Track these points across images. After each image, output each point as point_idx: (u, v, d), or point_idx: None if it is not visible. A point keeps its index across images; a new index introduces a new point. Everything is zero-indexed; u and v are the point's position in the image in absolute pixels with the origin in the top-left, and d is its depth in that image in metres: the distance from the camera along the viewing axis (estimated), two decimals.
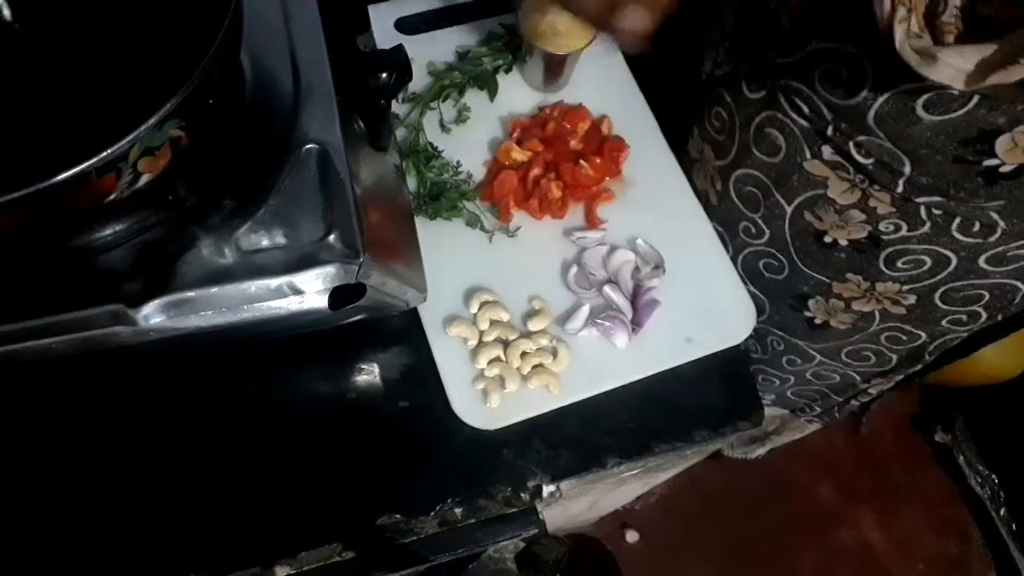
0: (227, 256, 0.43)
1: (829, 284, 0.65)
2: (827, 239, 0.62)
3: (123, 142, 0.33)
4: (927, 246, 0.56)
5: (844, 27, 0.49)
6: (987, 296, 0.60)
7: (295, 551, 0.54)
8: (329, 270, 0.44)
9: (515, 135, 0.69)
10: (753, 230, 0.68)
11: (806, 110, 0.55)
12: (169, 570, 0.54)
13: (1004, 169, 0.48)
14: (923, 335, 0.67)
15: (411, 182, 0.66)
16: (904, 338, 0.69)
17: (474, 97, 0.72)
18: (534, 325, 0.61)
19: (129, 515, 0.55)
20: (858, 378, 0.79)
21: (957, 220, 0.53)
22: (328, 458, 0.57)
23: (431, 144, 0.68)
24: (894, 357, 0.73)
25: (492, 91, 0.72)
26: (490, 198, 0.66)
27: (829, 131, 0.54)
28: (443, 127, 0.70)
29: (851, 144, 0.53)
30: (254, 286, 0.43)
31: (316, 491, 0.56)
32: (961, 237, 0.54)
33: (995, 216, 0.52)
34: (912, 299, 0.62)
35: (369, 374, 0.60)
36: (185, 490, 0.56)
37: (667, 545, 1.42)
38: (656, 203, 0.68)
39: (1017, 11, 0.40)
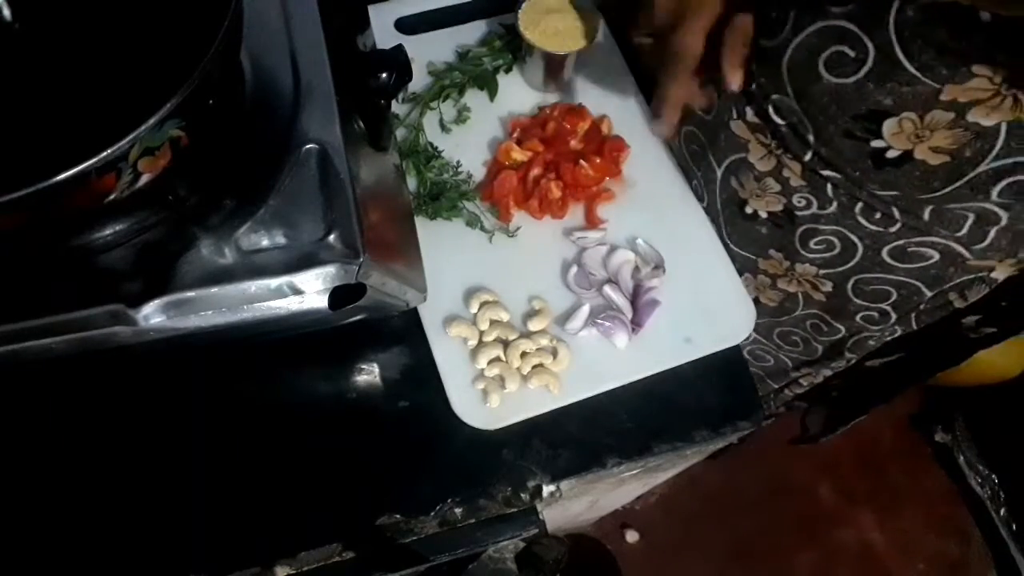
0: (227, 256, 0.43)
1: (755, 261, 0.67)
2: (748, 209, 0.63)
3: (123, 142, 0.33)
4: (835, 227, 0.58)
5: None
6: (894, 294, 0.61)
7: (295, 551, 0.54)
8: (329, 270, 0.44)
9: (515, 135, 0.69)
10: (700, 192, 0.70)
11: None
12: (169, 570, 0.54)
13: (890, 154, 0.49)
14: (842, 329, 0.70)
15: (411, 182, 0.66)
16: (825, 328, 0.71)
17: (474, 97, 0.72)
18: (534, 325, 0.61)
19: (129, 515, 0.55)
20: (789, 363, 0.81)
21: (860, 204, 0.55)
22: (328, 458, 0.57)
23: (431, 144, 0.68)
24: (819, 348, 0.75)
25: (492, 91, 0.72)
26: (490, 198, 0.66)
27: (753, 87, 0.55)
28: (443, 127, 0.70)
29: (769, 104, 0.54)
30: (254, 286, 0.43)
31: (316, 491, 0.56)
32: (864, 223, 0.56)
33: (893, 208, 0.53)
34: (828, 286, 0.64)
35: (369, 374, 0.60)
36: (185, 490, 0.56)
37: (667, 545, 1.42)
38: (656, 203, 0.68)
39: None
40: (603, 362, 0.61)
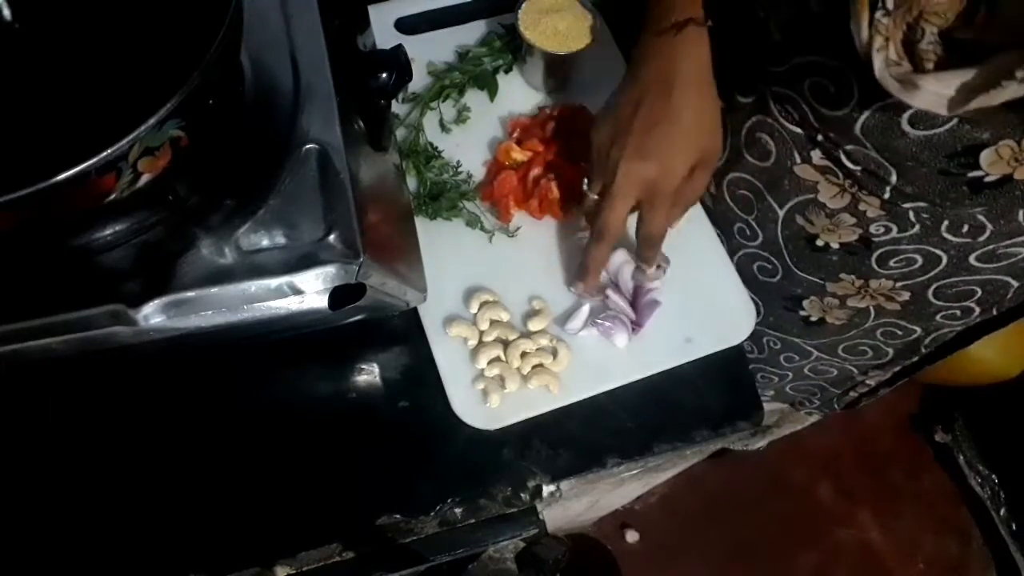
0: (227, 256, 0.43)
1: (823, 284, 0.66)
2: (819, 242, 0.62)
3: (123, 142, 0.33)
4: (917, 245, 0.57)
5: (829, 43, 0.49)
6: (979, 292, 0.60)
7: (295, 551, 0.54)
8: (329, 270, 0.44)
9: (515, 135, 0.69)
10: (747, 232, 0.68)
11: (796, 117, 0.55)
12: (169, 570, 0.54)
13: (989, 179, 0.48)
14: (918, 329, 0.68)
15: (411, 182, 0.66)
16: (900, 332, 0.69)
17: (474, 97, 0.72)
18: (534, 325, 0.61)
19: (129, 515, 0.55)
20: (855, 371, 0.80)
21: (945, 222, 0.54)
22: (328, 458, 0.57)
23: (431, 144, 0.68)
24: (890, 351, 0.73)
25: (492, 91, 0.72)
26: (490, 198, 0.66)
27: (819, 137, 0.55)
28: (443, 127, 0.70)
29: (840, 152, 0.54)
30: (254, 286, 0.43)
31: (316, 491, 0.56)
32: (950, 237, 0.55)
33: (983, 218, 0.52)
34: (906, 295, 0.63)
35: (369, 374, 0.60)
36: (185, 490, 0.56)
37: (667, 545, 1.42)
38: None
39: (994, 35, 0.40)
40: (603, 362, 0.61)
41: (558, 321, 0.62)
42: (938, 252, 0.56)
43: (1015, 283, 0.59)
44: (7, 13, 0.41)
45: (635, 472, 0.65)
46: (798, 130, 0.56)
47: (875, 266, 0.60)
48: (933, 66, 0.42)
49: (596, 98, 0.72)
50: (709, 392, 0.62)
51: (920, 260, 0.58)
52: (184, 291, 0.42)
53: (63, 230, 0.40)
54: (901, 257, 0.58)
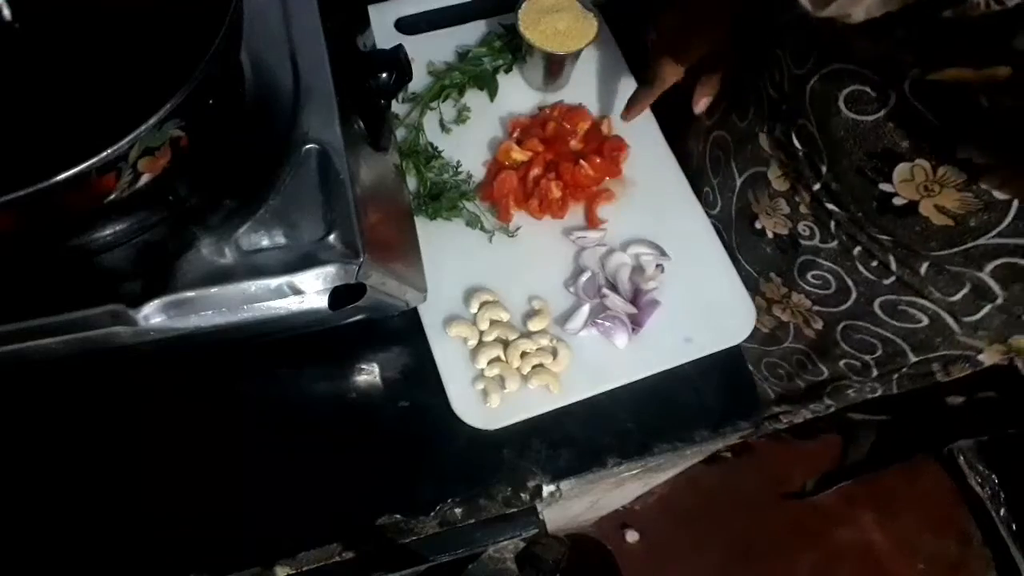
0: (227, 256, 0.43)
1: (757, 280, 0.68)
2: (758, 224, 0.64)
3: (123, 142, 0.33)
4: (832, 264, 0.59)
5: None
6: (879, 350, 0.62)
7: (295, 551, 0.54)
8: (329, 270, 0.44)
9: (515, 135, 0.69)
10: (711, 197, 0.70)
11: (776, 78, 0.57)
12: (169, 570, 0.54)
13: (896, 201, 0.49)
14: (825, 371, 0.70)
15: (411, 182, 0.66)
16: (810, 367, 0.72)
17: (474, 97, 0.72)
18: (534, 325, 0.61)
19: (129, 515, 0.55)
20: (772, 395, 0.82)
21: (859, 248, 0.55)
22: (328, 458, 0.57)
23: (431, 144, 0.68)
24: (801, 385, 0.75)
25: (492, 91, 0.72)
26: (490, 198, 0.66)
27: (784, 107, 0.56)
28: (443, 127, 0.70)
29: (793, 129, 0.55)
30: (254, 286, 0.43)
31: (316, 491, 0.56)
32: (861, 268, 0.57)
33: (890, 256, 0.54)
34: (819, 323, 0.65)
35: (369, 374, 0.60)
36: (186, 490, 0.56)
37: (667, 545, 1.42)
38: (656, 203, 0.68)
39: None
40: (603, 362, 0.61)
41: (558, 321, 0.62)
42: (849, 282, 0.58)
43: (912, 356, 0.60)
44: (7, 13, 0.41)
45: (635, 472, 0.65)
46: (775, 95, 0.58)
47: (796, 275, 0.63)
48: None
49: (596, 98, 0.73)
50: (709, 392, 0.62)
51: (834, 285, 0.60)
52: (184, 291, 0.42)
53: (63, 230, 0.40)
54: (818, 273, 0.60)
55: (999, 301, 0.51)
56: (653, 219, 0.67)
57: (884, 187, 0.49)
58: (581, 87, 0.73)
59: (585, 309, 0.61)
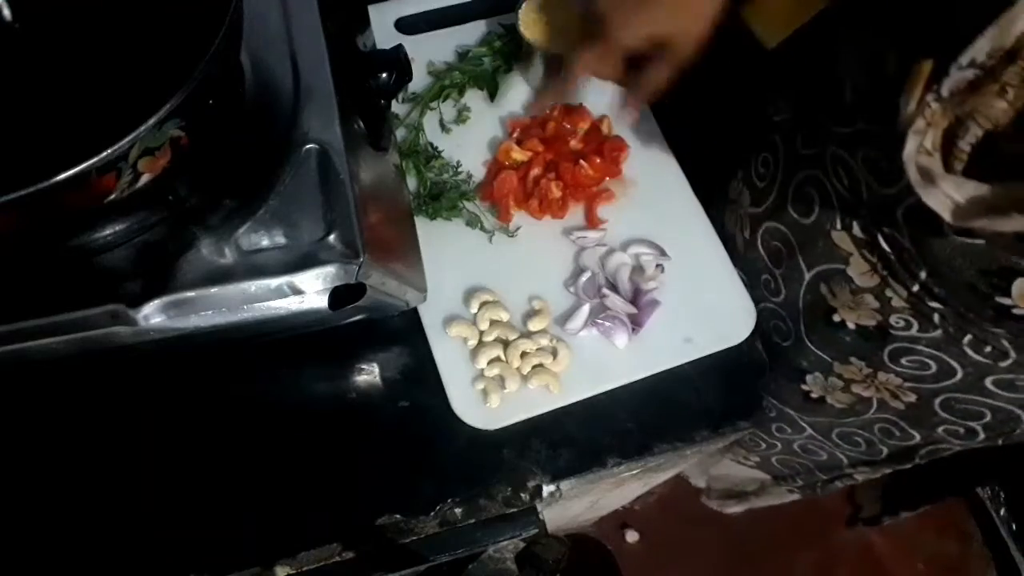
0: (227, 256, 0.43)
1: (831, 363, 0.64)
2: (836, 318, 0.59)
3: (123, 142, 0.33)
4: (935, 351, 0.54)
5: (893, 115, 0.45)
6: (988, 416, 0.57)
7: (295, 551, 0.54)
8: (329, 270, 0.44)
9: (515, 135, 0.69)
10: (772, 285, 0.66)
11: (847, 182, 0.53)
12: (169, 570, 0.54)
13: (1017, 312, 0.45)
14: (917, 436, 0.65)
15: (411, 182, 0.66)
16: (898, 434, 0.67)
17: (474, 97, 0.72)
18: (534, 325, 0.61)
19: (129, 515, 0.55)
20: (845, 461, 0.77)
21: (969, 336, 0.51)
22: (328, 458, 0.57)
23: (431, 144, 0.68)
24: (884, 450, 0.71)
25: (492, 91, 0.72)
26: (490, 198, 0.66)
27: (863, 210, 0.52)
28: (443, 127, 0.70)
29: (879, 232, 0.51)
30: (254, 286, 0.43)
31: (316, 491, 0.56)
32: (971, 353, 0.52)
33: (1007, 344, 0.50)
34: (912, 397, 0.60)
35: (369, 374, 0.60)
36: (185, 490, 0.56)
37: (667, 545, 1.42)
38: (656, 203, 0.68)
39: None
40: (603, 362, 0.61)
41: (558, 321, 0.62)
42: (954, 364, 0.54)
43: None
44: (7, 13, 0.41)
45: (635, 472, 0.65)
46: (846, 194, 0.54)
47: (887, 359, 0.58)
48: (961, 168, 0.40)
49: (596, 98, 0.73)
50: (709, 392, 0.62)
51: (934, 367, 0.55)
52: (184, 291, 0.42)
53: (63, 230, 0.40)
54: (915, 358, 0.55)
55: None
56: (653, 219, 0.67)
57: (1002, 300, 0.45)
58: (581, 87, 0.73)
59: (585, 309, 0.61)
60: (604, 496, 0.85)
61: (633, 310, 0.62)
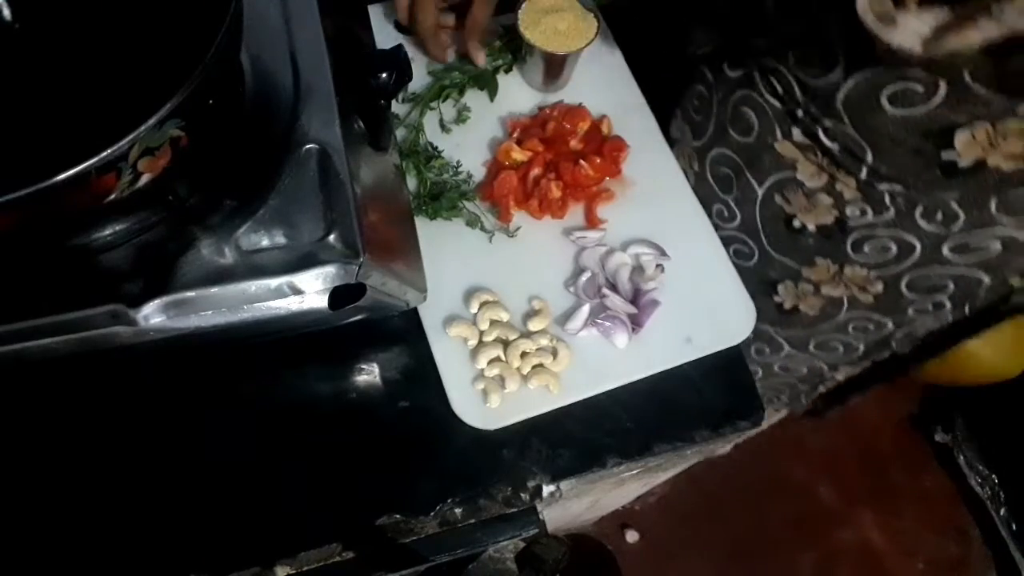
0: (227, 256, 0.43)
1: (798, 269, 0.66)
2: (796, 223, 0.62)
3: (123, 142, 0.33)
4: (892, 231, 0.57)
5: (821, 10, 0.49)
6: (952, 286, 0.60)
7: (295, 551, 0.54)
8: (329, 270, 0.44)
9: (515, 135, 0.69)
10: (726, 213, 0.69)
11: (780, 90, 0.56)
12: (169, 570, 0.54)
13: (962, 164, 0.48)
14: (890, 323, 0.68)
15: (411, 182, 0.66)
16: (871, 327, 0.69)
17: (474, 97, 0.72)
18: (534, 325, 0.61)
19: (129, 515, 0.55)
20: (825, 368, 0.80)
21: (920, 208, 0.54)
22: (328, 458, 0.57)
23: (431, 144, 0.68)
24: (861, 347, 0.73)
25: (492, 91, 0.72)
26: (490, 198, 0.66)
27: (799, 113, 0.55)
28: (443, 127, 0.70)
29: (819, 128, 0.54)
30: (254, 286, 0.43)
31: (316, 491, 0.56)
32: (924, 224, 0.55)
33: (955, 206, 0.52)
34: (879, 287, 0.63)
35: (369, 374, 0.60)
36: (185, 490, 0.56)
37: (667, 545, 1.42)
38: (656, 203, 0.68)
39: None
40: (603, 362, 0.61)
41: (558, 321, 0.62)
42: (911, 239, 0.57)
43: (987, 279, 0.59)
44: (7, 13, 0.41)
45: (635, 472, 0.65)
46: (780, 105, 0.57)
47: (850, 251, 0.61)
48: (915, 6, 0.42)
49: (596, 98, 0.73)
50: (709, 392, 0.62)
51: (894, 248, 0.58)
52: (184, 291, 0.42)
53: (63, 230, 0.40)
54: (876, 243, 0.59)
55: None
56: (653, 219, 0.67)
57: (947, 155, 0.48)
58: (581, 87, 0.73)
59: (585, 309, 0.61)
60: (604, 496, 0.85)
61: (633, 310, 0.62)
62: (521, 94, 0.73)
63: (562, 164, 0.66)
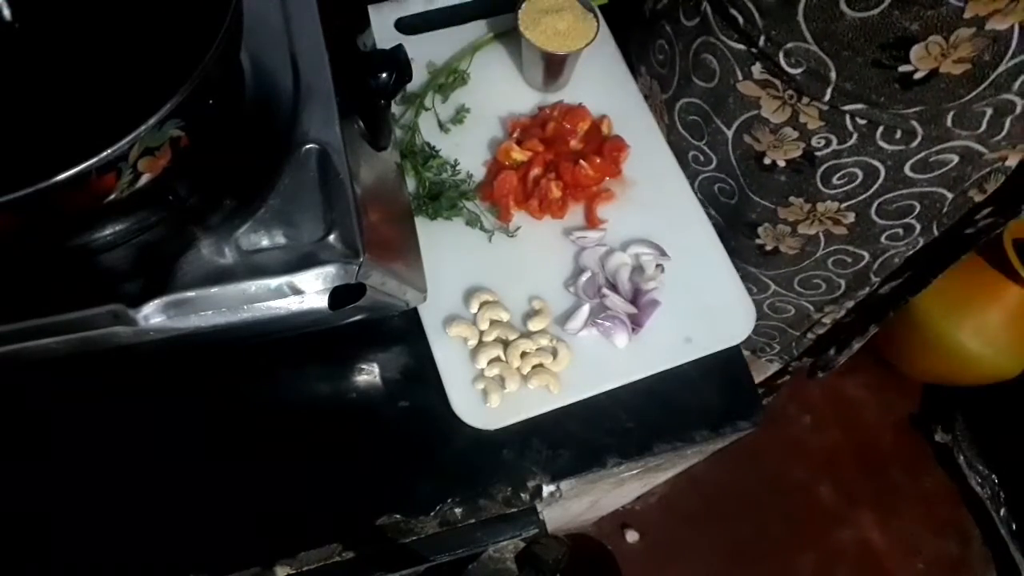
0: (227, 256, 0.43)
1: (774, 209, 0.69)
2: (767, 160, 0.65)
3: (123, 142, 0.33)
4: (856, 158, 0.60)
5: None
6: (918, 207, 0.63)
7: (295, 551, 0.54)
8: (329, 270, 0.44)
9: (515, 135, 0.69)
10: (701, 158, 0.71)
11: (740, 21, 0.58)
12: (169, 570, 0.54)
13: (917, 75, 0.51)
14: (866, 255, 0.71)
15: (410, 183, 0.66)
16: (849, 260, 0.72)
17: (474, 97, 0.72)
18: (534, 325, 0.61)
19: (129, 515, 0.55)
20: (811, 308, 0.82)
21: (880, 129, 0.57)
22: (328, 458, 0.57)
23: (428, 144, 0.68)
24: (842, 282, 0.76)
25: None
26: (490, 198, 0.66)
27: (761, 42, 0.57)
28: (441, 127, 0.70)
29: (781, 54, 0.56)
30: (254, 286, 0.43)
31: (316, 491, 0.56)
32: (886, 145, 0.58)
33: (914, 123, 0.55)
34: (851, 217, 0.66)
35: (369, 374, 0.60)
36: (185, 490, 0.56)
37: (667, 545, 1.42)
38: (656, 203, 0.68)
39: None
40: (603, 362, 0.61)
41: (558, 321, 0.62)
42: (875, 164, 0.59)
43: (949, 194, 0.62)
44: (7, 13, 0.41)
45: (635, 472, 0.65)
46: (740, 46, 0.59)
47: (820, 185, 0.63)
48: None
49: (596, 98, 0.73)
50: (709, 392, 0.62)
51: (860, 175, 0.61)
52: (184, 291, 0.42)
53: (63, 230, 0.40)
54: (843, 172, 0.61)
55: (1018, 111, 0.54)
56: (653, 219, 0.67)
57: (904, 68, 0.51)
58: (581, 87, 0.73)
59: (585, 309, 0.61)
60: (604, 496, 0.85)
61: (633, 310, 0.62)
62: (521, 94, 0.73)
63: (562, 164, 0.66)
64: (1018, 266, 1.26)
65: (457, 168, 0.68)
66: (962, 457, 1.50)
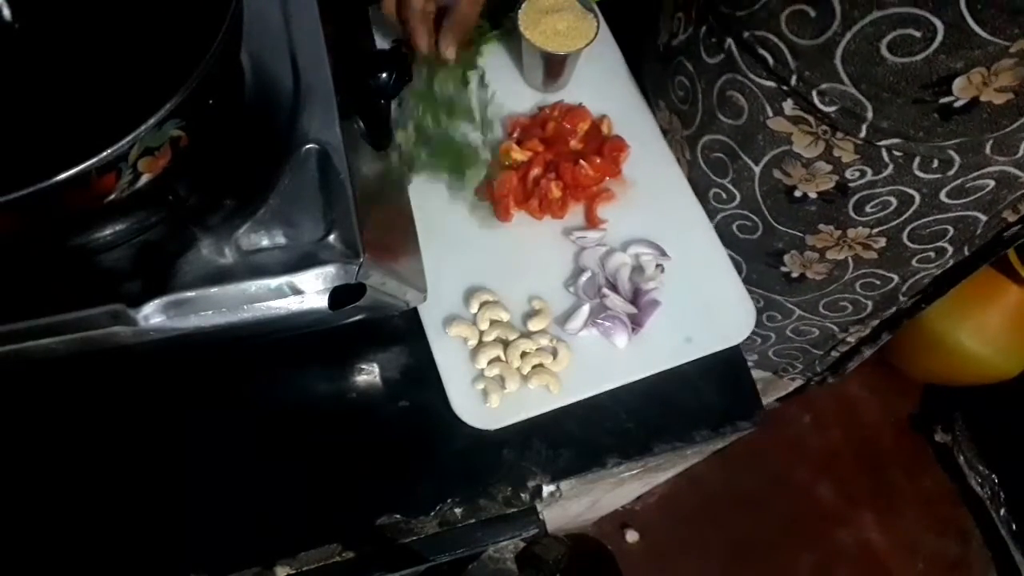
0: (227, 256, 0.43)
1: (802, 237, 0.67)
2: (797, 193, 0.63)
3: (123, 142, 0.33)
4: (891, 187, 0.58)
5: None
6: (951, 231, 0.62)
7: (295, 551, 0.54)
8: (329, 270, 0.44)
9: (515, 135, 0.69)
10: (723, 195, 0.69)
11: (770, 61, 0.56)
12: (169, 570, 0.54)
13: (957, 104, 0.50)
14: (895, 277, 0.69)
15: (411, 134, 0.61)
16: (878, 283, 0.70)
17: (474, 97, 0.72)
18: (534, 325, 0.61)
19: (129, 515, 0.55)
20: (836, 328, 0.81)
21: (917, 159, 0.55)
22: (328, 458, 0.57)
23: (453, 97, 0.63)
24: (869, 303, 0.75)
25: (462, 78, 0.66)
26: (490, 198, 0.66)
27: (792, 81, 0.55)
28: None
29: (814, 93, 0.55)
30: (254, 286, 0.43)
31: (316, 491, 0.56)
32: (922, 175, 0.56)
33: (952, 152, 0.54)
34: (882, 242, 0.64)
35: (369, 374, 0.60)
36: (185, 490, 0.56)
37: (667, 545, 1.42)
38: (656, 203, 0.68)
39: None
40: (603, 362, 0.61)
41: (558, 321, 0.62)
42: (911, 192, 0.58)
43: (984, 217, 0.60)
44: (7, 13, 0.41)
45: (635, 472, 0.65)
46: (769, 83, 0.58)
47: (852, 213, 0.62)
48: None
49: (596, 98, 0.73)
50: (709, 392, 0.62)
51: (895, 202, 0.59)
52: (184, 291, 0.42)
53: (63, 230, 0.40)
54: (876, 201, 0.60)
55: None
56: (653, 219, 0.67)
57: (944, 100, 0.50)
58: (581, 87, 0.73)
59: (585, 309, 0.61)
60: (604, 496, 0.85)
61: (633, 310, 0.62)
62: (521, 94, 0.73)
63: (562, 164, 0.66)
64: (1018, 266, 1.26)
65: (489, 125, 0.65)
66: (962, 457, 1.50)
